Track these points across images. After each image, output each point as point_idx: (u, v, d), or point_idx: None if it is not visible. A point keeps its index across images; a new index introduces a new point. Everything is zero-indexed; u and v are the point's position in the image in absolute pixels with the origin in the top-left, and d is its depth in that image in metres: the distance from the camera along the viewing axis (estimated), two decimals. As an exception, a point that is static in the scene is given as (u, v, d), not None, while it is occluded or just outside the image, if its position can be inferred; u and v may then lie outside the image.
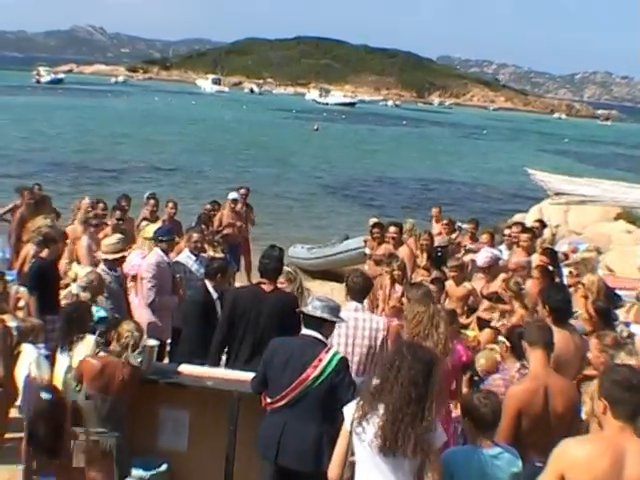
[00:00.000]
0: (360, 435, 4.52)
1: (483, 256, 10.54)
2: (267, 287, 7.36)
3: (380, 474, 4.52)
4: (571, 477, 4.13)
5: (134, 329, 6.48)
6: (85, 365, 6.43)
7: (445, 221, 15.04)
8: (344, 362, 5.71)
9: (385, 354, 5.11)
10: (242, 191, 16.38)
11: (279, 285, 7.91)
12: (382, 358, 5.05)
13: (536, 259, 10.74)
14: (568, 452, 4.22)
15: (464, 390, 6.86)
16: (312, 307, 5.87)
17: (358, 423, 4.54)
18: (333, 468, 4.82)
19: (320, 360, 5.54)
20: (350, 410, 4.67)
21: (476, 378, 6.98)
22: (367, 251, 13.53)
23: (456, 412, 6.54)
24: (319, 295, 6.36)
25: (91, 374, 6.31)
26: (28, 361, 7.53)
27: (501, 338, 6.84)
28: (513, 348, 6.53)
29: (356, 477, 4.72)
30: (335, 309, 5.93)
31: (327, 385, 5.55)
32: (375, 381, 4.62)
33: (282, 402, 5.63)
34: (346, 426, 4.68)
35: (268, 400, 5.79)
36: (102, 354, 6.48)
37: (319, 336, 5.77)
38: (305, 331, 5.82)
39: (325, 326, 5.81)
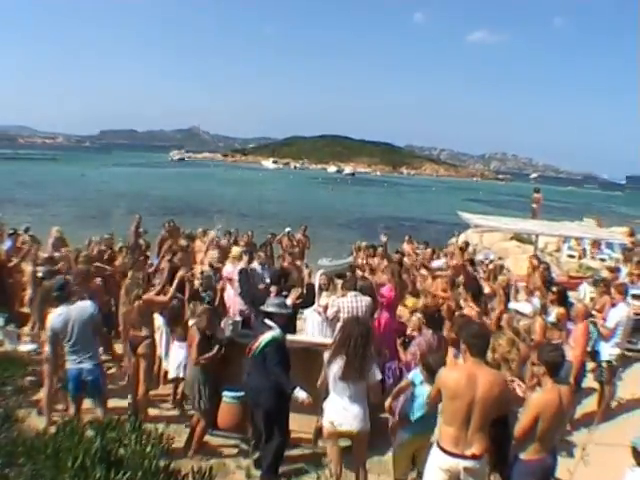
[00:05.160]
0: (332, 370, 5.08)
1: (436, 264, 10.50)
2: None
3: (345, 390, 5.06)
4: (444, 392, 4.34)
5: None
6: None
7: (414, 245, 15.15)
8: (274, 342, 5.78)
9: (341, 325, 5.46)
10: (302, 227, 16.26)
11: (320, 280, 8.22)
12: (340, 327, 5.45)
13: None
14: (442, 376, 4.42)
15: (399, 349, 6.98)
16: (265, 306, 6.00)
17: (329, 363, 5.12)
18: (320, 384, 5.41)
19: (258, 339, 5.82)
20: (325, 355, 5.31)
21: (406, 340, 7.00)
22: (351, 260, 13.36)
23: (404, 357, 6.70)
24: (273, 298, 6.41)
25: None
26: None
27: (419, 315, 6.80)
28: (427, 322, 6.57)
29: (331, 393, 5.21)
30: (279, 305, 6.03)
31: (262, 353, 5.74)
32: (338, 340, 5.16)
33: (248, 356, 5.93)
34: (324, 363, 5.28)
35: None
36: None
37: (271, 323, 5.87)
38: (266, 320, 5.90)
39: (276, 317, 5.91)
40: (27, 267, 9.65)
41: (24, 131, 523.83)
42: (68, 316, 6.02)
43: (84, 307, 6.22)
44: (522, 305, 8.09)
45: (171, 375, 7.42)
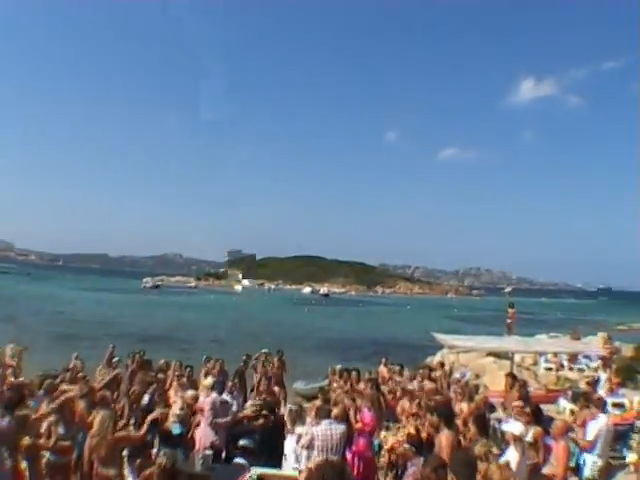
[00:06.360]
0: None
1: (412, 386, 10.50)
2: None
3: None
4: None
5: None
6: None
7: (389, 367, 15.01)
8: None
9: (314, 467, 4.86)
10: (279, 353, 16.11)
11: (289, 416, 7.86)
12: (311, 471, 4.78)
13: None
14: None
15: None
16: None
17: None
18: None
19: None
20: None
21: (399, 472, 6.78)
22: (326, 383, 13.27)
23: None
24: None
25: None
26: None
27: (407, 446, 6.68)
28: (417, 450, 6.41)
29: None
30: (253, 441, 5.78)
31: None
32: None
33: None
34: None
35: None
36: None
37: (244, 462, 5.60)
38: (237, 459, 5.67)
39: (252, 453, 5.68)
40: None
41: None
42: None
43: None
44: (513, 425, 7.99)
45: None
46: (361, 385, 11.67)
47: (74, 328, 39.23)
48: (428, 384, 11.49)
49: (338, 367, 14.15)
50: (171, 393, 10.79)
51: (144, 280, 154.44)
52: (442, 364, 15.21)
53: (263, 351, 15.77)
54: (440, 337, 15.83)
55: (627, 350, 20.56)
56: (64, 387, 9.51)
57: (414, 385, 11.45)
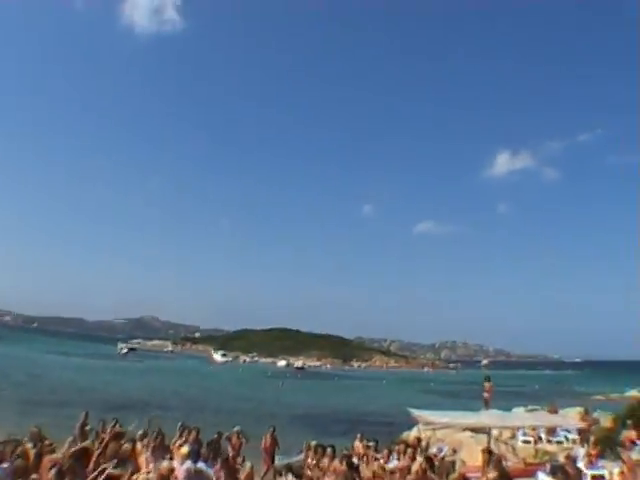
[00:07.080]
0: None
1: (392, 464, 10.36)
2: None
3: None
4: None
5: None
6: None
7: (364, 443, 14.90)
8: None
9: None
10: (270, 430, 16.65)
11: None
12: None
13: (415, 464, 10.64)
14: None
15: None
16: None
17: None
18: None
19: None
20: None
21: None
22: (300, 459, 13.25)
23: None
24: None
25: None
26: None
27: None
28: None
29: None
30: None
31: None
32: None
33: None
34: None
35: None
36: None
37: None
38: None
39: None
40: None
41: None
42: None
43: None
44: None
45: None
46: (336, 462, 11.49)
47: (40, 394, 38.50)
48: (403, 462, 11.36)
49: (313, 443, 14.00)
50: (141, 461, 10.53)
51: (119, 346, 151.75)
52: (419, 440, 15.04)
53: (235, 429, 15.58)
54: (416, 413, 15.58)
55: (605, 421, 20.50)
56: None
57: (394, 463, 11.28)
